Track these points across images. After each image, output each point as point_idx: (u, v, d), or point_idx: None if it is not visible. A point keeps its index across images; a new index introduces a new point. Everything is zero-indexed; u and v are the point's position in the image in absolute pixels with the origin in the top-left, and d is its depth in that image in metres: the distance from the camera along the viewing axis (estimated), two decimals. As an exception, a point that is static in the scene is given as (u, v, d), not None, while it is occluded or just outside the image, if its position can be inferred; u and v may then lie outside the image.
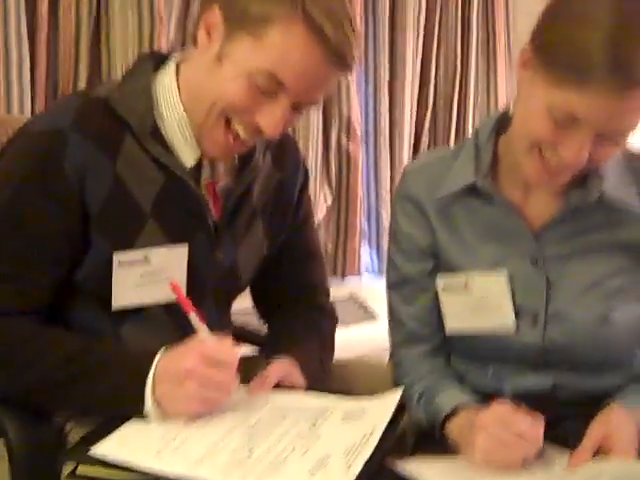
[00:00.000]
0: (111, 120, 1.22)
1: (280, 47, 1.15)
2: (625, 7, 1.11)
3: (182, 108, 1.25)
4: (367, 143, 2.89)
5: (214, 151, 1.26)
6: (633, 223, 1.28)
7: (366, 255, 2.88)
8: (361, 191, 2.82)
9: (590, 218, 1.28)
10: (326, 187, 2.76)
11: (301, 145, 2.62)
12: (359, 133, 2.78)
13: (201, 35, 1.21)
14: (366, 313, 2.65)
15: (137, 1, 2.11)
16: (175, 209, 1.25)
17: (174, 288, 1.20)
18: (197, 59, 1.23)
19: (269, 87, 1.17)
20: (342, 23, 1.16)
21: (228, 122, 1.21)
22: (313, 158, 2.67)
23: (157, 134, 1.23)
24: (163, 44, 2.13)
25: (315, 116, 2.66)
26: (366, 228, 2.90)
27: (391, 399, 1.13)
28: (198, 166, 1.28)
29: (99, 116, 1.22)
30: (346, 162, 2.77)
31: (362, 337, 2.44)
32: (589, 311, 1.28)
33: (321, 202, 2.73)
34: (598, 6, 1.11)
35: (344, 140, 2.76)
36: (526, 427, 1.14)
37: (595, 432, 1.19)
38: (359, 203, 2.80)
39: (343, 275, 2.80)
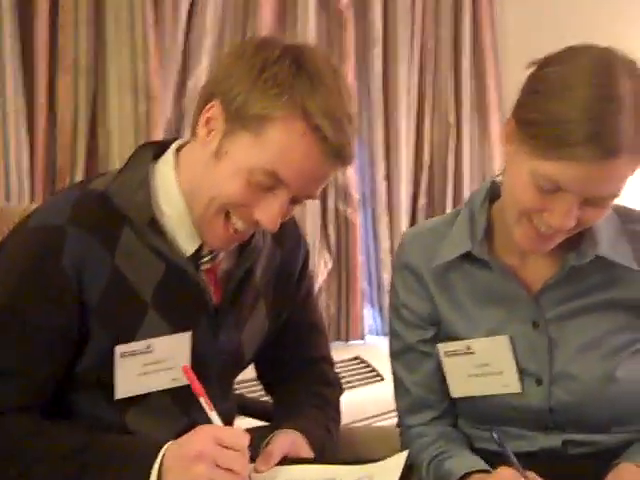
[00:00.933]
0: (109, 212, 1.23)
1: (280, 146, 1.15)
2: (601, 81, 1.14)
3: (182, 200, 1.26)
4: (365, 207, 2.92)
5: (215, 242, 1.26)
6: (630, 281, 1.29)
7: (369, 317, 2.89)
8: (361, 255, 2.84)
9: (588, 279, 1.30)
10: (325, 252, 2.77)
11: (299, 212, 2.64)
12: (356, 198, 2.81)
13: (201, 129, 1.22)
14: (372, 374, 2.64)
15: (132, 81, 2.14)
16: (176, 297, 1.26)
17: (186, 372, 1.20)
18: (196, 152, 1.24)
19: (268, 183, 1.17)
20: (341, 121, 1.17)
21: (227, 215, 1.22)
22: (311, 225, 2.69)
23: (156, 225, 1.24)
24: (159, 123, 2.16)
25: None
26: (368, 291, 2.91)
27: (397, 462, 1.13)
28: (197, 251, 1.28)
29: (97, 209, 1.23)
30: (344, 227, 2.80)
31: (369, 398, 2.43)
32: (593, 370, 1.29)
33: (322, 267, 2.75)
34: (575, 81, 1.15)
35: (341, 206, 2.79)
36: None
37: None
38: (359, 267, 2.81)
39: (347, 338, 2.80)
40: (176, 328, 1.26)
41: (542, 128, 1.15)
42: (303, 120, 1.15)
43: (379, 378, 2.57)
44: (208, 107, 1.20)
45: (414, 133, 3.05)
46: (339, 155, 1.18)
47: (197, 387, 1.18)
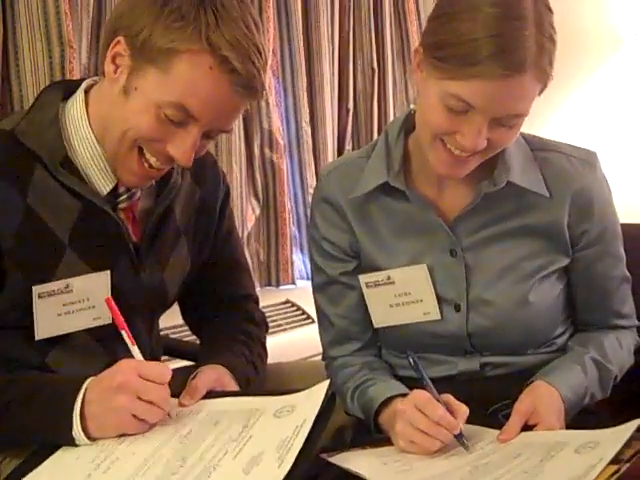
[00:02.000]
0: (18, 152, 1.21)
1: (187, 79, 1.15)
2: (506, 0, 1.16)
3: (94, 138, 1.24)
4: (291, 153, 2.91)
5: (130, 179, 1.26)
6: (541, 208, 1.33)
7: (299, 262, 2.90)
8: (288, 200, 2.84)
9: (502, 206, 1.33)
10: (253, 198, 2.77)
11: (224, 159, 2.64)
12: (282, 144, 2.81)
13: (108, 66, 1.20)
14: (302, 317, 2.67)
15: (45, 27, 2.08)
16: (93, 236, 1.25)
17: (108, 303, 1.20)
18: (105, 90, 1.23)
19: (178, 118, 1.17)
20: (249, 52, 1.16)
21: (141, 151, 1.21)
22: (238, 171, 2.68)
23: (69, 164, 1.23)
24: (75, 70, 2.11)
25: (237, 129, 2.67)
26: (297, 236, 2.92)
27: (319, 391, 1.14)
28: (114, 191, 1.28)
29: (4, 149, 1.21)
30: (271, 173, 2.79)
31: (301, 340, 2.45)
32: (508, 294, 1.33)
33: (249, 213, 2.74)
34: (480, 1, 1.16)
35: (267, 152, 2.78)
36: (442, 414, 1.17)
37: (522, 408, 1.23)
38: (287, 212, 2.81)
39: (278, 283, 2.81)
40: (95, 267, 1.25)
41: (449, 49, 1.17)
42: (209, 52, 1.14)
43: (310, 320, 2.60)
44: (113, 43, 1.19)
45: (337, 79, 3.04)
46: (248, 86, 1.17)
47: (119, 320, 1.19)
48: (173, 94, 1.15)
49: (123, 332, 1.18)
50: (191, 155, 1.21)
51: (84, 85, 1.29)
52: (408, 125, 1.36)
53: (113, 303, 1.20)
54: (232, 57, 1.14)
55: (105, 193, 1.26)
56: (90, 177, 1.25)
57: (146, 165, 1.22)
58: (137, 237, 1.31)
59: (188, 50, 1.14)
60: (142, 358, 1.18)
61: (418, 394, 1.21)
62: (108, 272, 1.26)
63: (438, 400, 1.19)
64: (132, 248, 1.29)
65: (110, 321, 1.23)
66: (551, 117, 3.26)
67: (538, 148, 1.36)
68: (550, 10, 1.20)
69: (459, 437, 1.18)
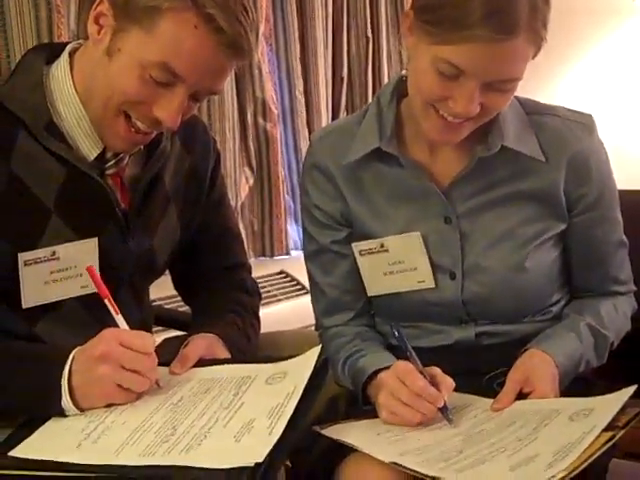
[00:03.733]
0: (1, 117, 1.18)
1: (172, 38, 1.12)
2: None
3: (79, 102, 1.22)
4: (285, 122, 2.88)
5: (117, 144, 1.23)
6: (537, 172, 1.31)
7: (293, 232, 2.88)
8: (282, 170, 2.81)
9: (496, 172, 1.31)
10: (246, 168, 2.74)
11: (217, 128, 2.61)
12: (275, 112, 2.78)
13: (91, 27, 1.17)
14: (297, 287, 2.66)
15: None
16: (80, 203, 1.23)
17: (90, 272, 1.18)
18: (89, 52, 1.20)
19: (164, 78, 1.14)
20: (235, 11, 1.13)
21: (128, 115, 1.19)
22: (231, 140, 2.65)
23: (54, 128, 1.20)
24: (64, 36, 2.08)
25: (230, 98, 2.64)
26: (291, 206, 2.90)
27: (310, 357, 1.13)
28: (102, 157, 1.25)
29: None
30: (265, 142, 2.76)
31: (295, 311, 2.44)
32: (504, 261, 1.31)
33: (243, 183, 2.72)
34: None
35: (261, 121, 2.75)
36: (423, 385, 1.15)
37: (516, 376, 1.22)
38: (281, 182, 2.79)
39: (272, 254, 2.79)
40: (82, 234, 1.23)
41: (439, 11, 1.14)
42: (194, 10, 1.11)
43: (304, 291, 2.58)
44: (96, 3, 1.16)
45: (331, 47, 3.01)
46: (234, 46, 1.15)
47: (101, 288, 1.17)
48: (157, 54, 1.13)
49: (106, 300, 1.16)
50: (178, 117, 1.18)
51: (69, 48, 1.26)
52: (400, 90, 1.33)
53: (95, 271, 1.18)
54: (217, 15, 1.12)
55: (92, 158, 1.24)
56: (76, 142, 1.23)
57: (133, 130, 1.20)
58: (125, 204, 1.29)
59: (172, 8, 1.11)
60: (127, 327, 1.16)
61: (401, 365, 1.20)
62: (95, 239, 1.24)
63: (422, 372, 1.17)
64: (120, 215, 1.27)
65: None
66: (550, 82, 3.24)
67: (533, 112, 1.33)
68: None
69: (443, 410, 1.16)
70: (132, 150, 1.27)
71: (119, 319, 1.16)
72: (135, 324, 1.24)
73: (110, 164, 1.26)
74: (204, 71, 1.16)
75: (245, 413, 1.07)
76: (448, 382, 1.17)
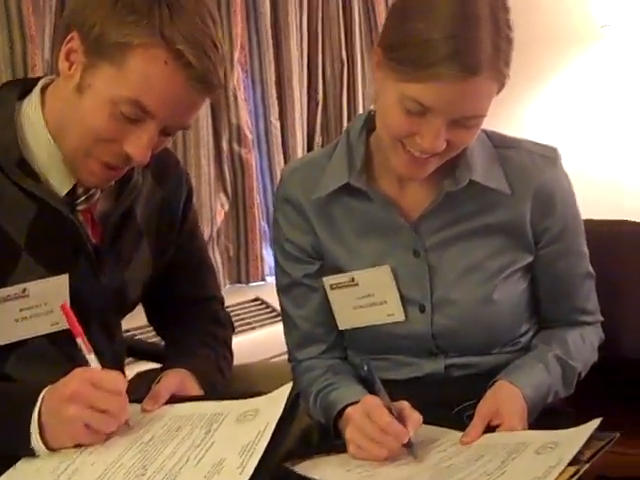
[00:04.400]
0: None
1: (142, 74, 1.13)
2: (461, 0, 1.15)
3: (50, 138, 1.22)
4: (260, 147, 2.89)
5: (90, 180, 1.23)
6: (503, 206, 1.33)
7: (269, 257, 2.88)
8: (257, 195, 2.82)
9: (464, 205, 1.33)
10: (222, 194, 2.75)
11: (193, 154, 2.62)
12: (250, 138, 2.79)
13: (62, 64, 1.18)
14: (272, 314, 2.65)
15: (6, 22, 2.05)
16: (51, 239, 1.23)
17: (64, 310, 1.18)
18: (60, 88, 1.21)
19: (134, 114, 1.15)
20: (204, 47, 1.14)
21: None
22: (206, 166, 2.66)
23: (25, 165, 1.20)
24: (38, 66, 2.08)
25: (205, 125, 2.65)
26: (267, 231, 2.90)
27: (282, 394, 1.13)
28: (73, 192, 1.25)
29: None
30: (240, 168, 2.77)
31: (270, 338, 2.43)
32: (472, 294, 1.33)
33: (218, 209, 2.72)
34: (437, 1, 1.15)
35: (236, 147, 2.76)
36: (389, 421, 1.15)
37: (484, 410, 1.23)
38: (256, 208, 2.80)
39: (247, 280, 2.80)
40: (52, 271, 1.23)
41: (404, 50, 1.16)
42: (164, 46, 1.12)
43: (280, 318, 2.57)
44: (67, 40, 1.17)
45: (306, 72, 3.02)
46: (204, 81, 1.16)
47: (75, 327, 1.17)
48: (128, 90, 1.13)
49: (79, 339, 1.16)
50: (147, 152, 1.19)
51: (41, 83, 1.26)
52: (370, 124, 1.35)
53: (68, 309, 1.18)
54: (187, 51, 1.12)
55: (63, 194, 1.24)
56: (47, 178, 1.23)
57: (105, 166, 1.20)
58: (97, 239, 1.29)
59: (142, 44, 1.12)
60: (99, 366, 1.16)
61: (368, 400, 1.20)
62: (66, 275, 1.24)
63: (389, 407, 1.17)
64: (92, 250, 1.28)
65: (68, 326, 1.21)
66: (515, 113, 3.27)
67: (500, 145, 1.35)
68: (507, 9, 1.19)
69: (408, 446, 1.16)
70: (104, 186, 1.28)
71: (91, 358, 1.16)
72: (107, 359, 1.24)
73: (81, 200, 1.26)
74: (174, 107, 1.16)
75: (216, 452, 1.07)
76: (415, 417, 1.17)
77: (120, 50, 1.13)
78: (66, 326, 1.20)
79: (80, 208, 1.27)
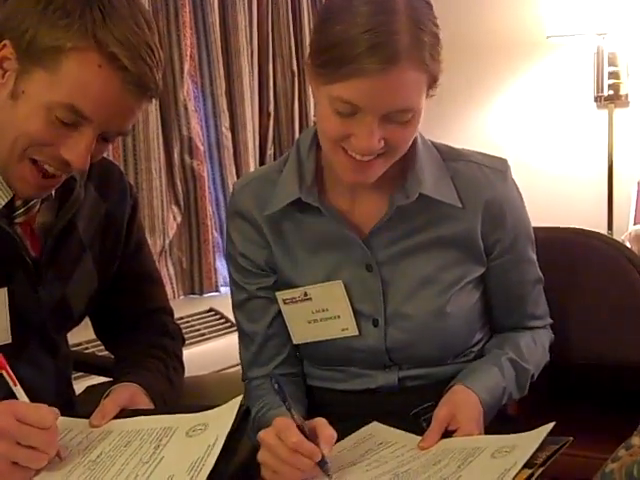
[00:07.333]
0: None
1: (76, 78, 1.11)
2: None
3: None
4: (211, 158, 2.90)
5: (25, 189, 1.21)
6: (454, 218, 1.33)
7: (223, 268, 2.88)
8: (210, 206, 2.82)
9: (415, 218, 1.33)
10: (174, 206, 2.74)
11: (144, 167, 2.60)
12: (202, 149, 2.78)
13: None
14: (226, 325, 2.65)
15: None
16: None
17: None
18: None
19: (70, 119, 1.13)
20: (139, 50, 1.13)
21: (35, 160, 1.17)
22: (157, 179, 2.65)
23: None
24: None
25: (155, 137, 2.64)
26: (220, 242, 2.90)
27: (231, 407, 1.12)
28: (11, 205, 1.23)
29: None
30: (192, 179, 2.77)
31: (224, 349, 2.42)
32: (425, 307, 1.33)
33: (171, 221, 2.72)
34: (356, 1, 1.17)
35: (187, 158, 2.75)
36: (297, 441, 1.09)
37: (441, 414, 1.23)
38: (209, 219, 2.80)
39: (201, 291, 2.79)
40: None
41: (327, 52, 1.17)
42: (97, 50, 1.11)
43: (234, 328, 2.57)
44: None
45: (257, 82, 3.03)
46: (140, 84, 1.15)
47: (9, 374, 1.10)
48: (62, 94, 1.12)
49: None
50: (86, 158, 1.17)
51: None
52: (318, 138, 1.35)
53: (4, 362, 1.11)
54: (121, 54, 1.11)
55: (1, 207, 1.22)
56: None
57: (41, 174, 1.19)
58: (36, 252, 1.27)
59: (75, 48, 1.11)
60: (26, 399, 1.11)
61: (279, 422, 1.13)
62: (4, 290, 1.21)
63: (300, 426, 1.11)
64: (31, 263, 1.25)
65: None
66: (466, 124, 3.31)
67: (450, 158, 1.36)
68: (429, 5, 1.21)
69: (321, 464, 1.11)
70: (42, 195, 1.26)
71: (17, 390, 1.11)
72: (50, 375, 1.22)
73: (19, 212, 1.25)
74: (111, 111, 1.15)
75: (165, 468, 1.06)
76: (328, 434, 1.12)
77: (53, 55, 1.11)
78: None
79: (18, 220, 1.25)
